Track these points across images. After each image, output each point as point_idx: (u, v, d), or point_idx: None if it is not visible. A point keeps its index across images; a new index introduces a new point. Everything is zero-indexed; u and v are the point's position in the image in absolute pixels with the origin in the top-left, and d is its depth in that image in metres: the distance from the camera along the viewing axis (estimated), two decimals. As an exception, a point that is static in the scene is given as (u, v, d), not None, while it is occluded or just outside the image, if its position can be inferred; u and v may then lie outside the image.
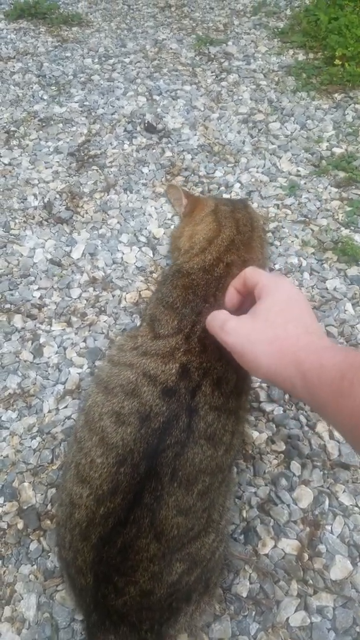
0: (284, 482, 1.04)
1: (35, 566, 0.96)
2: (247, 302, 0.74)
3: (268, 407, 1.15)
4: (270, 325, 0.62)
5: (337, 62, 2.07)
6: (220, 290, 0.86)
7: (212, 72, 2.16)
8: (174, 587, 0.73)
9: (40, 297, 1.37)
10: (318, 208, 1.58)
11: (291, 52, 2.26)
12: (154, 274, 1.42)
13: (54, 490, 1.04)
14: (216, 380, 0.77)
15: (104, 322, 1.32)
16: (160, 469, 0.71)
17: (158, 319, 0.86)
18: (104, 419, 0.76)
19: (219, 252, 0.92)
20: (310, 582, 0.94)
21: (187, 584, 0.75)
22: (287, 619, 0.90)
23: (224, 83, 2.09)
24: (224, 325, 0.67)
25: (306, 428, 1.12)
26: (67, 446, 1.09)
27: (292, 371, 0.58)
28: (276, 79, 2.11)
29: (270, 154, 1.76)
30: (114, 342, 1.27)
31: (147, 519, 0.70)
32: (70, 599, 0.89)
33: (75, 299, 1.37)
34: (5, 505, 1.03)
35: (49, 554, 0.97)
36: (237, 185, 1.65)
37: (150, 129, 1.85)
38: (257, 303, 0.67)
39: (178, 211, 0.98)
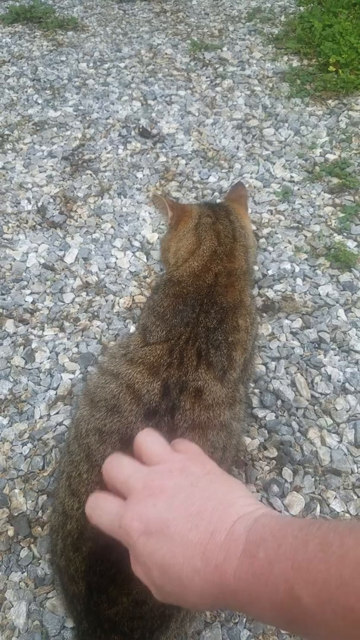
0: (275, 488, 1.04)
1: (25, 573, 0.95)
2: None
3: (260, 413, 1.15)
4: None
5: (331, 68, 2.08)
6: (206, 300, 0.86)
7: (206, 78, 2.17)
8: None
9: (33, 302, 1.37)
10: (311, 214, 1.58)
11: (285, 58, 2.28)
12: (147, 279, 1.42)
13: (45, 497, 1.04)
14: (194, 394, 0.75)
15: (97, 327, 1.32)
16: None
17: (149, 329, 0.86)
18: (89, 436, 0.76)
19: (204, 261, 0.93)
20: (301, 589, 0.93)
21: None
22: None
23: (218, 88, 2.10)
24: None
25: (298, 434, 1.12)
26: (59, 453, 1.09)
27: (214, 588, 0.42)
28: (270, 84, 2.12)
29: (264, 160, 1.77)
30: (107, 348, 1.27)
31: None
32: (61, 604, 0.89)
33: (68, 303, 1.37)
34: (-5, 511, 1.02)
35: (40, 561, 0.96)
36: (231, 190, 1.65)
37: (144, 133, 1.85)
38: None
39: (165, 220, 0.98)
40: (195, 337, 0.81)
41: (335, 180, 1.67)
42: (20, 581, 0.94)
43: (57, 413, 1.16)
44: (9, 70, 2.22)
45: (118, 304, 1.36)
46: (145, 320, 0.89)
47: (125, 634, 0.73)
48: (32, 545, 0.98)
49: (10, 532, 0.99)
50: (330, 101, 2.01)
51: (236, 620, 0.90)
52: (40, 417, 1.16)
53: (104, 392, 0.78)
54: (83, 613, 0.73)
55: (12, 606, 0.91)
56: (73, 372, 1.23)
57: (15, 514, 1.02)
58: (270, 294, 1.38)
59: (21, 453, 1.10)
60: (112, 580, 0.70)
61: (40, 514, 1.02)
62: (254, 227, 1.55)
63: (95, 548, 0.70)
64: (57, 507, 0.79)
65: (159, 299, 0.90)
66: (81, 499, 0.73)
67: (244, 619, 0.90)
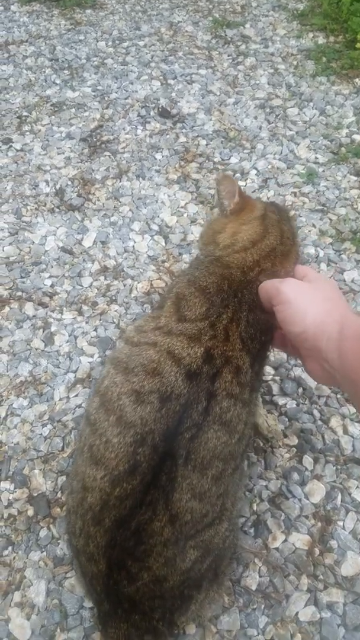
0: (295, 476, 1.03)
1: (44, 553, 0.96)
2: None
3: (281, 401, 1.13)
4: (324, 291, 0.73)
5: (358, 45, 2.00)
6: (247, 292, 0.85)
7: (228, 56, 2.12)
8: (186, 574, 0.73)
9: (52, 285, 1.36)
10: (337, 197, 1.54)
11: (311, 35, 2.20)
12: (165, 263, 1.40)
13: (64, 477, 1.04)
14: (235, 369, 0.77)
15: (115, 311, 1.31)
16: (176, 451, 0.70)
17: (187, 299, 0.83)
18: (122, 399, 0.75)
19: (260, 257, 0.90)
20: (321, 577, 0.93)
21: (199, 571, 0.75)
22: (297, 613, 0.89)
23: (240, 67, 2.05)
24: (285, 280, 0.76)
25: (320, 422, 1.10)
26: (77, 435, 1.09)
27: (333, 327, 0.65)
28: (295, 62, 2.06)
29: (288, 140, 1.72)
30: (125, 330, 1.26)
31: (162, 502, 0.69)
32: (80, 586, 0.89)
33: (86, 287, 1.36)
34: (15, 492, 1.03)
35: (59, 541, 0.97)
36: (253, 172, 1.61)
37: (164, 113, 1.81)
38: (312, 282, 0.77)
39: (221, 204, 0.95)
40: (237, 321, 0.80)
41: (360, 162, 1.62)
42: (39, 560, 0.95)
43: (77, 395, 1.16)
44: (26, 50, 2.19)
45: (136, 288, 1.35)
46: (182, 290, 0.86)
47: (146, 613, 0.73)
48: (51, 526, 0.99)
49: (30, 512, 1.00)
50: (357, 80, 1.95)
51: (254, 606, 0.90)
52: (60, 399, 1.16)
53: (140, 359, 0.77)
54: (103, 594, 0.73)
55: (32, 584, 0.92)
56: (92, 356, 1.23)
57: (35, 494, 1.02)
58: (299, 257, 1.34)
59: (41, 434, 1.11)
60: (132, 554, 0.70)
61: (59, 494, 1.02)
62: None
63: (118, 516, 0.70)
64: (74, 486, 0.79)
65: (202, 274, 0.87)
66: (108, 465, 0.71)
67: (262, 606, 0.90)
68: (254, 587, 0.92)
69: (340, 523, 0.98)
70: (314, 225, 1.46)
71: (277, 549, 0.95)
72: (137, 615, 0.73)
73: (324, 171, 1.61)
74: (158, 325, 0.82)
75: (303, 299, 0.71)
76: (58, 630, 0.88)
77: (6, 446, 1.09)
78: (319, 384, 1.14)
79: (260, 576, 0.93)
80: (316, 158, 1.65)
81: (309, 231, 1.45)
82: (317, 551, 0.95)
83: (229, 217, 0.96)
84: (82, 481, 0.75)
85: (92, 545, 0.72)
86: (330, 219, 1.48)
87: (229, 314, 0.80)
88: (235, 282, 0.85)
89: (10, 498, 1.02)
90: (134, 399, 0.73)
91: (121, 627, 0.73)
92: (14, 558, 0.96)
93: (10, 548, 0.97)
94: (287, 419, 1.11)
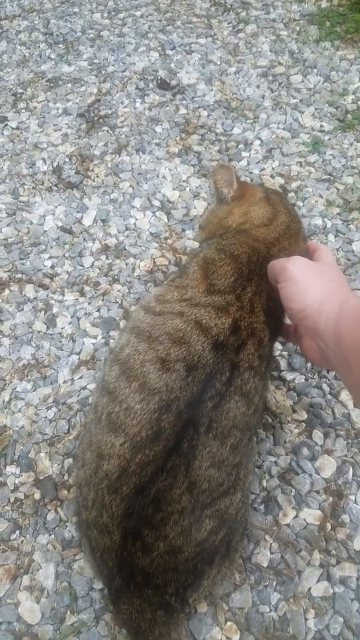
0: (305, 451, 1.01)
1: (52, 536, 0.95)
2: None
3: (289, 376, 1.11)
4: (330, 273, 0.73)
5: (363, 6, 1.92)
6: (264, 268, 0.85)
7: (228, 23, 2.04)
8: (201, 545, 0.72)
9: (52, 266, 1.34)
10: (343, 165, 1.49)
11: (313, -3, 2.12)
12: (168, 240, 1.36)
13: (70, 460, 1.03)
14: (258, 341, 0.77)
15: (118, 291, 1.28)
16: (199, 419, 0.70)
17: (216, 264, 0.82)
18: (146, 366, 0.74)
19: (279, 234, 0.90)
20: (333, 552, 0.91)
21: (213, 543, 0.74)
22: (309, 589, 0.88)
23: (241, 34, 1.97)
24: (292, 258, 0.76)
25: (329, 396, 1.07)
26: (84, 416, 1.07)
27: (333, 307, 0.66)
28: (297, 28, 1.98)
29: (292, 109, 1.66)
30: (129, 311, 1.23)
31: (183, 468, 0.69)
32: (89, 566, 0.88)
33: (87, 267, 1.33)
34: (21, 475, 1.02)
35: (67, 524, 0.96)
36: (257, 142, 1.56)
37: (163, 85, 1.76)
38: (320, 260, 0.78)
39: (220, 193, 0.95)
40: (260, 294, 0.81)
41: (368, 128, 1.56)
42: (47, 543, 0.94)
43: (81, 377, 1.14)
44: (19, 25, 2.13)
45: (139, 267, 1.32)
46: (211, 255, 0.84)
47: (159, 587, 0.72)
48: (58, 508, 0.98)
49: (37, 496, 0.99)
50: (362, 42, 1.87)
51: (266, 583, 0.89)
52: (64, 382, 1.14)
53: (166, 327, 0.77)
54: (116, 568, 0.72)
55: (41, 568, 0.92)
56: (95, 337, 1.21)
57: (41, 478, 1.01)
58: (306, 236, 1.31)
59: (46, 417, 1.09)
60: (149, 522, 0.69)
61: (66, 477, 1.01)
62: (281, 181, 1.47)
63: (138, 483, 0.69)
64: (87, 458, 0.77)
65: (233, 243, 0.86)
66: (129, 432, 0.71)
67: (274, 582, 0.89)
68: (265, 564, 0.90)
69: (352, 497, 0.96)
70: (320, 196, 1.42)
71: (288, 525, 0.94)
72: (150, 590, 0.72)
73: (329, 139, 1.56)
74: (184, 297, 0.80)
75: (307, 277, 0.72)
76: (68, 612, 0.87)
77: (11, 430, 1.08)
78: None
79: (271, 553, 0.91)
80: (321, 126, 1.60)
81: (316, 202, 1.40)
82: (329, 526, 0.93)
83: (231, 204, 0.95)
84: (98, 450, 0.74)
85: (106, 515, 0.71)
86: (337, 189, 1.43)
87: (253, 287, 0.80)
88: (261, 256, 0.85)
89: (17, 482, 1.01)
90: (159, 366, 0.73)
91: (134, 603, 0.73)
92: (22, 542, 0.95)
93: (17, 532, 0.96)
94: (295, 394, 1.08)
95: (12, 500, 0.99)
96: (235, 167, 1.45)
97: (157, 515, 0.68)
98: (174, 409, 0.70)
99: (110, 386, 0.77)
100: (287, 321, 0.86)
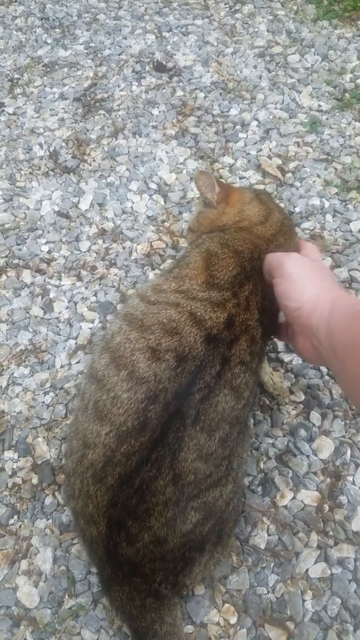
0: (303, 432, 1.00)
1: (50, 520, 0.95)
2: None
3: (286, 358, 1.10)
4: (323, 272, 0.75)
5: (362, -17, 1.88)
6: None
7: (225, 4, 2.00)
8: (187, 537, 0.71)
9: (49, 251, 1.33)
10: (341, 145, 1.46)
11: (312, -25, 2.07)
12: (165, 223, 1.35)
13: (67, 442, 1.03)
14: (251, 338, 0.77)
15: (115, 275, 1.27)
16: (186, 411, 0.69)
17: (219, 257, 0.82)
18: (136, 355, 0.73)
19: (275, 231, 0.91)
20: (331, 533, 0.90)
21: (200, 534, 0.73)
22: (307, 570, 0.88)
23: (238, 15, 1.94)
24: (290, 254, 0.77)
25: (327, 377, 1.06)
26: (77, 397, 1.07)
27: (326, 304, 0.66)
28: (295, 7, 1.94)
29: (289, 89, 1.63)
30: (126, 295, 1.22)
31: (168, 460, 0.68)
32: (84, 552, 0.88)
33: (84, 252, 1.32)
34: (19, 460, 1.02)
35: (64, 508, 0.96)
36: (254, 123, 1.54)
37: (159, 68, 1.73)
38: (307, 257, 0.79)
39: (205, 199, 0.95)
40: (257, 292, 0.81)
41: (367, 107, 1.53)
42: (45, 528, 0.94)
43: (78, 362, 1.14)
44: (16, 10, 2.10)
45: (136, 250, 1.31)
46: (214, 248, 0.84)
47: (147, 576, 0.72)
48: (56, 493, 0.98)
49: (35, 480, 0.99)
50: (361, 20, 1.83)
51: (263, 565, 0.88)
52: (61, 367, 1.14)
53: (159, 317, 0.76)
54: (104, 557, 0.72)
55: (38, 552, 0.92)
56: (92, 322, 1.20)
57: (39, 462, 1.01)
58: (297, 232, 1.29)
59: (43, 402, 1.09)
60: (133, 512, 0.69)
61: (63, 461, 1.01)
62: (279, 162, 1.44)
63: (123, 473, 0.69)
64: (73, 446, 0.77)
65: (236, 238, 0.86)
66: (115, 421, 0.70)
67: (272, 564, 0.88)
68: (262, 546, 0.90)
69: (350, 478, 0.95)
70: (318, 176, 1.39)
71: (285, 506, 0.93)
72: (139, 578, 0.72)
73: (327, 119, 1.53)
74: (181, 289, 0.79)
75: (303, 275, 0.73)
76: (66, 596, 0.87)
77: (8, 415, 1.08)
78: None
79: (268, 535, 0.91)
80: (319, 106, 1.57)
81: (314, 182, 1.38)
82: (326, 507, 0.93)
83: (219, 206, 0.96)
84: (84, 438, 0.74)
85: (92, 505, 0.71)
86: (335, 168, 1.41)
87: (251, 285, 0.80)
88: (262, 253, 0.85)
89: (15, 467, 1.01)
90: (149, 355, 0.72)
91: (124, 590, 0.73)
92: (20, 527, 0.95)
93: (15, 517, 0.96)
94: (293, 376, 1.07)
95: (10, 485, 0.99)
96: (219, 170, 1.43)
97: (142, 506, 0.68)
98: (161, 399, 0.69)
99: (99, 374, 0.77)
100: (281, 319, 0.86)
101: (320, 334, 0.66)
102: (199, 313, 0.75)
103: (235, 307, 0.77)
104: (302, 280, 0.72)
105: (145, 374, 0.71)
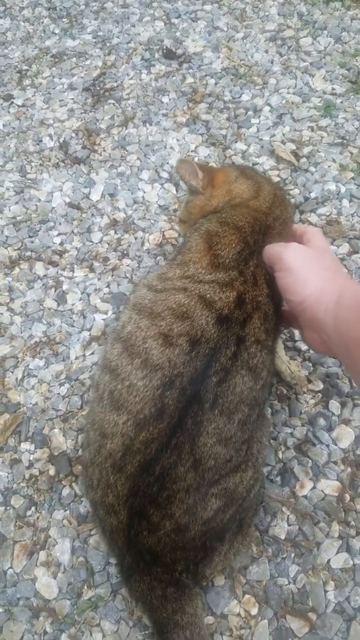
0: (322, 422, 0.98)
1: (68, 511, 0.95)
2: None
3: (304, 346, 1.08)
4: (325, 260, 0.72)
5: None
6: (267, 237, 0.83)
7: (235, -12, 1.96)
8: (208, 524, 0.71)
9: (61, 243, 1.32)
10: (357, 128, 1.43)
11: None
12: (177, 213, 1.33)
13: (83, 434, 1.02)
14: (264, 315, 0.76)
15: (127, 265, 1.26)
16: (204, 395, 0.68)
17: (220, 235, 0.81)
18: (148, 342, 0.72)
19: (270, 203, 0.89)
20: (353, 523, 0.89)
21: (221, 522, 0.72)
22: (329, 560, 0.86)
23: (248, -2, 1.90)
24: (288, 245, 0.74)
25: (346, 365, 1.04)
26: (91, 388, 1.06)
27: (332, 296, 0.64)
28: (307, -11, 1.90)
29: (302, 73, 1.60)
30: (138, 283, 1.21)
31: (187, 445, 0.67)
32: (103, 543, 0.88)
33: (96, 243, 1.31)
34: (36, 452, 1.02)
35: (82, 499, 0.95)
36: (267, 108, 1.51)
37: (169, 55, 1.70)
38: (310, 243, 0.76)
39: (190, 186, 0.95)
40: (262, 265, 0.79)
41: (383, 89, 1.50)
42: (63, 519, 0.94)
43: (92, 353, 1.13)
44: (23, 1, 2.08)
45: (148, 240, 1.29)
46: (214, 227, 0.83)
47: (168, 565, 0.71)
48: (73, 484, 0.97)
49: (52, 472, 0.99)
50: (376, 0, 1.78)
51: (284, 556, 0.87)
52: (76, 358, 1.13)
53: (168, 302, 0.75)
54: (125, 547, 0.72)
55: (57, 543, 0.92)
56: (105, 313, 1.19)
57: (56, 454, 1.01)
58: (313, 218, 1.26)
59: (59, 393, 1.09)
60: (154, 500, 0.68)
61: (80, 452, 1.00)
62: (293, 147, 1.42)
63: (143, 461, 0.68)
64: (90, 437, 0.77)
65: (235, 215, 0.85)
66: (131, 410, 0.69)
67: (292, 554, 0.87)
68: (282, 536, 0.89)
69: (372, 468, 0.93)
70: (333, 160, 1.36)
71: (305, 496, 0.92)
72: (160, 568, 0.71)
73: (342, 102, 1.50)
74: (186, 274, 0.78)
75: (305, 267, 0.70)
76: (85, 587, 0.87)
77: (24, 407, 1.08)
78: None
79: (289, 525, 0.90)
80: (333, 89, 1.53)
81: (329, 166, 1.35)
82: (347, 497, 0.91)
83: (206, 191, 0.94)
84: (101, 429, 0.73)
85: (112, 495, 0.70)
86: (351, 153, 1.38)
87: (255, 259, 0.78)
88: (263, 226, 0.83)
89: (31, 459, 1.01)
90: (161, 341, 0.71)
91: (144, 581, 0.72)
92: (38, 518, 0.95)
93: (33, 508, 0.96)
94: (310, 364, 1.05)
95: (27, 476, 0.99)
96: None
97: (163, 493, 0.67)
98: (178, 385, 0.68)
99: (112, 364, 0.76)
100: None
101: (328, 328, 0.64)
102: (208, 295, 0.74)
103: (243, 285, 0.75)
104: (304, 273, 0.69)
105: (159, 361, 0.70)
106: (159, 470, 0.67)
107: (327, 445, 0.96)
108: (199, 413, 0.68)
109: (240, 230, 0.81)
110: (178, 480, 0.67)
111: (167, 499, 0.67)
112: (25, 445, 1.03)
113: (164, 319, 0.73)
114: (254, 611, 0.83)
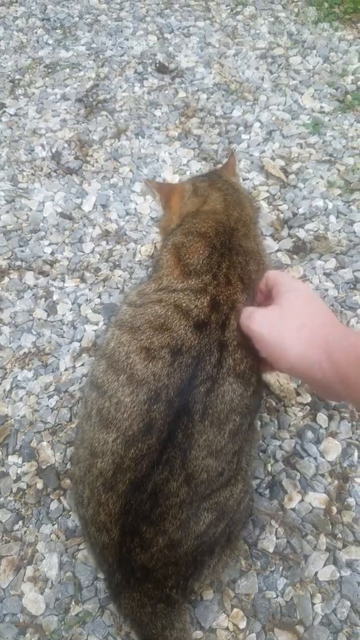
0: (310, 434, 0.99)
1: (56, 525, 0.94)
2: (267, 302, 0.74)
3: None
4: (297, 315, 0.65)
5: (363, -15, 1.88)
6: (234, 238, 0.84)
7: (226, 6, 2.00)
8: (200, 539, 0.70)
9: (52, 253, 1.32)
10: (344, 146, 1.46)
11: (312, -23, 2.07)
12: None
13: (72, 448, 1.02)
14: (239, 312, 0.74)
15: (119, 276, 1.26)
16: (193, 406, 0.67)
17: (186, 246, 0.81)
18: (131, 357, 0.72)
19: (224, 206, 0.90)
20: (340, 535, 0.90)
21: (213, 535, 0.72)
22: (316, 573, 0.87)
23: (239, 17, 1.94)
24: (251, 314, 0.69)
25: (334, 379, 1.06)
26: (80, 404, 1.06)
27: (321, 355, 0.59)
28: (296, 9, 1.94)
29: (292, 90, 1.63)
30: (127, 293, 1.22)
31: (179, 460, 0.66)
32: (92, 558, 0.87)
33: (88, 253, 1.31)
34: (23, 465, 1.01)
35: (70, 513, 0.95)
36: (257, 124, 1.53)
37: (161, 69, 1.73)
38: (278, 298, 0.69)
39: (158, 203, 0.99)
40: (234, 265, 0.79)
41: (370, 108, 1.53)
42: (51, 533, 0.93)
43: (82, 365, 1.13)
44: (16, 11, 2.09)
45: (139, 252, 1.30)
46: (179, 239, 0.84)
47: (159, 581, 0.71)
48: (61, 498, 0.97)
49: (40, 485, 0.98)
50: (362, 22, 1.83)
51: (272, 569, 0.88)
52: (66, 370, 1.13)
53: (146, 316, 0.75)
54: (115, 564, 0.71)
55: (44, 558, 0.91)
56: (96, 324, 1.19)
57: (44, 467, 1.00)
58: (301, 234, 1.28)
59: (47, 406, 1.08)
60: (147, 518, 0.67)
61: (68, 465, 1.00)
62: (282, 163, 1.44)
63: (134, 479, 0.67)
64: (80, 455, 0.76)
65: (197, 222, 0.85)
66: (120, 427, 0.69)
67: (280, 567, 0.88)
68: (271, 550, 0.89)
69: (358, 480, 0.95)
70: (321, 177, 1.39)
71: (293, 509, 0.93)
72: (150, 584, 0.71)
73: (330, 120, 1.53)
74: (161, 287, 0.79)
75: (278, 335, 0.65)
76: (73, 603, 0.87)
77: (12, 419, 1.07)
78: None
79: (277, 538, 0.90)
80: (321, 107, 1.57)
81: (317, 183, 1.38)
82: (334, 509, 0.92)
83: (165, 212, 0.96)
84: (90, 447, 0.72)
85: (104, 513, 0.70)
86: (338, 170, 1.41)
87: (227, 261, 0.78)
88: (226, 227, 0.84)
89: (19, 472, 1.00)
90: (143, 355, 0.71)
91: (134, 597, 0.72)
92: (25, 532, 0.94)
93: (20, 522, 0.95)
94: (300, 378, 1.07)
95: (14, 490, 0.98)
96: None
97: (155, 510, 0.67)
98: (164, 397, 0.67)
99: (98, 381, 0.76)
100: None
101: (330, 381, 0.59)
102: (183, 303, 0.74)
103: (215, 287, 0.75)
104: (279, 341, 0.64)
105: (144, 375, 0.69)
106: (151, 486, 0.67)
107: (315, 458, 0.97)
108: (189, 425, 0.67)
109: (205, 236, 0.82)
110: (171, 496, 0.67)
111: (160, 515, 0.67)
112: (12, 459, 1.02)
113: (144, 332, 0.73)
114: (242, 625, 0.84)
